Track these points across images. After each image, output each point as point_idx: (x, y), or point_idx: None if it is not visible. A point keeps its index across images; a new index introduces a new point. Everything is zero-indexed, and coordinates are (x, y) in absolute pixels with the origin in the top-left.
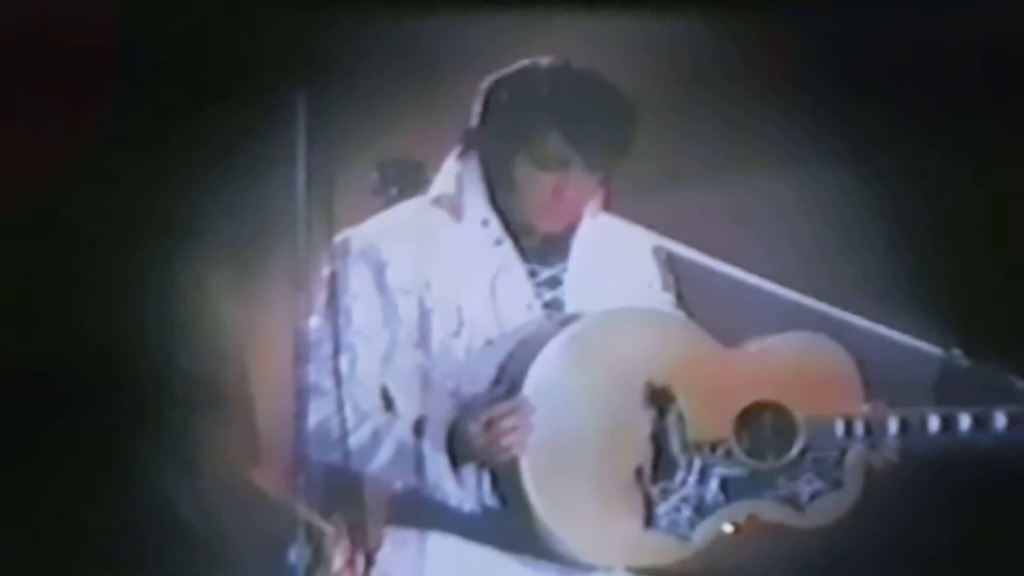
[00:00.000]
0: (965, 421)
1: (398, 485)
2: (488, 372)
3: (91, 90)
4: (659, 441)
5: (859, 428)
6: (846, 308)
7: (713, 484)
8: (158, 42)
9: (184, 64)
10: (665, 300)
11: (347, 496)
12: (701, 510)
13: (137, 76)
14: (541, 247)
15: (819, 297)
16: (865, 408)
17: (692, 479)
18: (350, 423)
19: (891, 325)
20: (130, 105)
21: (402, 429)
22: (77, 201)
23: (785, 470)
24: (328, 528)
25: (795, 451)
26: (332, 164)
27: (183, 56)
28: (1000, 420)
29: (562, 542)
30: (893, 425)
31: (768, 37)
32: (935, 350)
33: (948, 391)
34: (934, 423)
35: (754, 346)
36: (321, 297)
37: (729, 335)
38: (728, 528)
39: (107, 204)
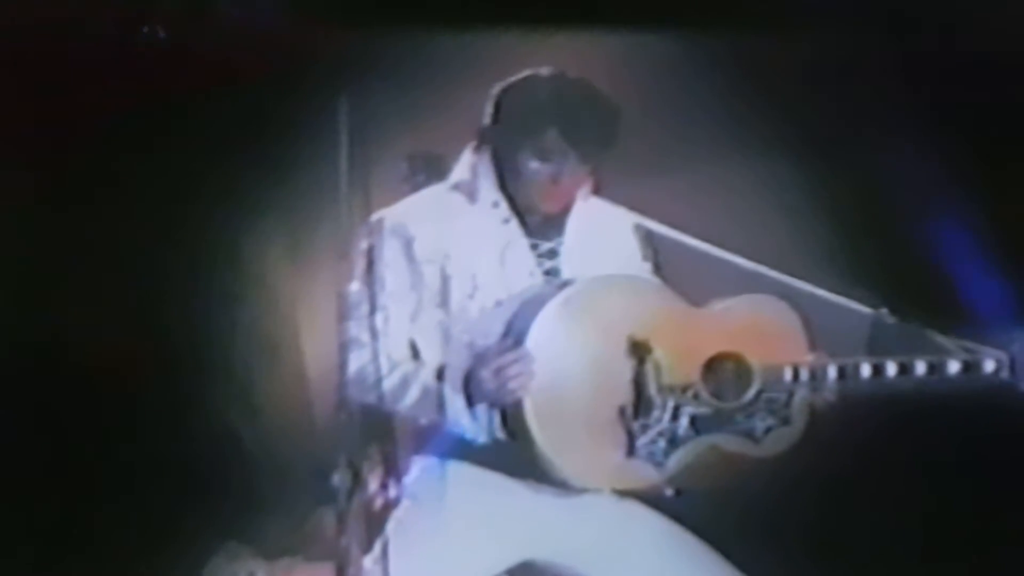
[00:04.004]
0: (891, 369)
1: (423, 421)
2: (497, 328)
3: (179, 93)
4: (639, 385)
5: (804, 374)
6: (794, 274)
7: (684, 420)
8: (231, 55)
9: (249, 75)
10: (644, 268)
11: (381, 430)
12: (674, 442)
13: (207, 84)
14: (542, 225)
15: (771, 265)
16: (809, 357)
17: (666, 416)
18: (383, 370)
19: (831, 288)
20: (204, 108)
21: (426, 375)
22: (161, 187)
23: (743, 409)
24: (365, 457)
25: (751, 393)
26: (369, 156)
27: (248, 68)
28: (920, 368)
29: (559, 469)
30: (832, 372)
31: (729, 52)
32: (867, 309)
33: (877, 344)
34: (866, 370)
35: (717, 306)
36: (360, 266)
37: (697, 297)
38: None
39: (186, 191)
